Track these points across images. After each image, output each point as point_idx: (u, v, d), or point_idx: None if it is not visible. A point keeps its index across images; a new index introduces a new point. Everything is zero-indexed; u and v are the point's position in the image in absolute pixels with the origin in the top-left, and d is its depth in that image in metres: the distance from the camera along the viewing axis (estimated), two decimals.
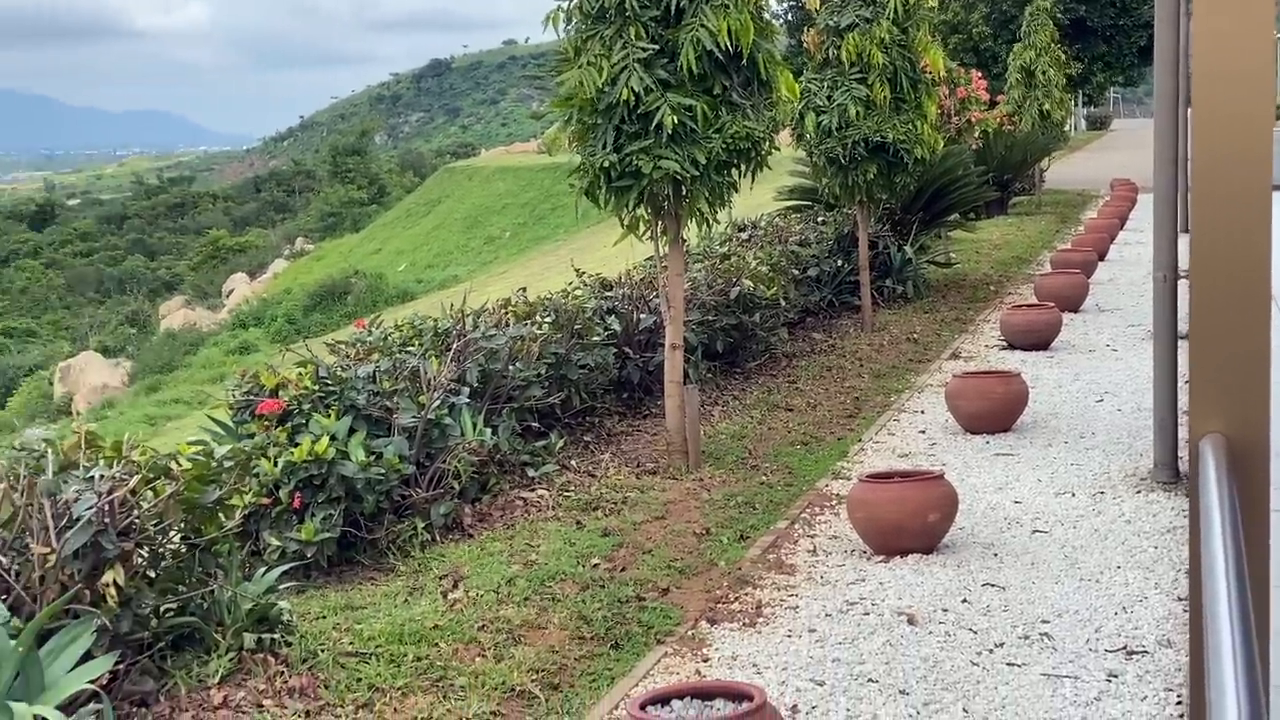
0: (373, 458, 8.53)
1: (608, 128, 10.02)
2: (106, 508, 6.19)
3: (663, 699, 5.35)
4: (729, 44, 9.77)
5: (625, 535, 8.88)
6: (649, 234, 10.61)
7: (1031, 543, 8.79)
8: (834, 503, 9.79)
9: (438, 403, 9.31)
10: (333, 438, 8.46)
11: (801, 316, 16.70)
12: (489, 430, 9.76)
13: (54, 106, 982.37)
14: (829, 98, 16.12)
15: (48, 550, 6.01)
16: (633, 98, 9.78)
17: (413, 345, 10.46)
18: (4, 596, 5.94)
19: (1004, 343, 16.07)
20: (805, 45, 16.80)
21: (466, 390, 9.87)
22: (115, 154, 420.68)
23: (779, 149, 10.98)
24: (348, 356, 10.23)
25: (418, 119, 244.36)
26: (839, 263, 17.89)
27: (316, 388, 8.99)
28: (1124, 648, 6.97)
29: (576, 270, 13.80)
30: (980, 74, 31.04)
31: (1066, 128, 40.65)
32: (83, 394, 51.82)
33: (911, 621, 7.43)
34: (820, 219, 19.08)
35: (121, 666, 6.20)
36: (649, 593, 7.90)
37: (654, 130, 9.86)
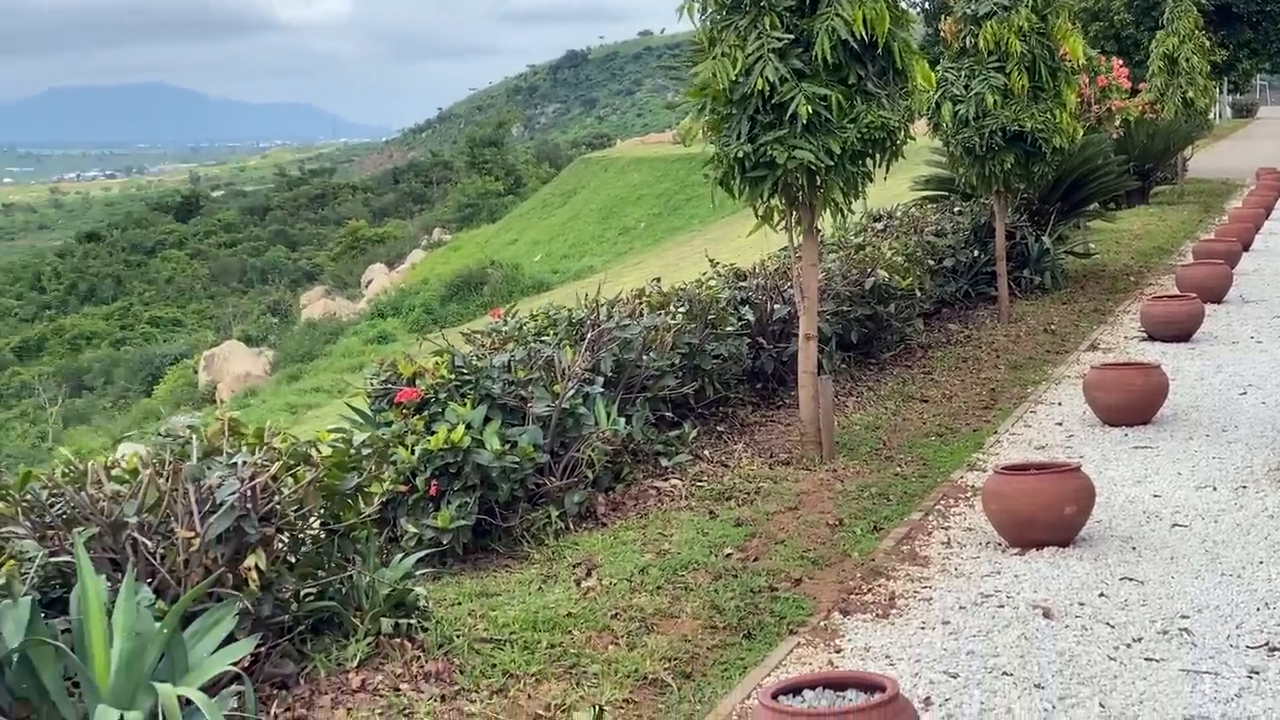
0: (508, 446, 8.61)
1: (742, 118, 10.02)
2: (249, 493, 6.32)
3: (794, 689, 5.35)
4: (864, 33, 9.72)
5: (758, 525, 8.88)
6: (783, 224, 10.59)
7: (1171, 537, 8.65)
8: (969, 495, 9.70)
9: (572, 392, 9.37)
10: (468, 426, 8.55)
11: (937, 307, 16.57)
12: (623, 420, 9.81)
13: (200, 100, 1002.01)
14: (966, 87, 15.97)
15: (192, 534, 6.16)
16: (767, 88, 9.76)
17: (547, 335, 10.54)
18: (150, 579, 6.08)
19: (1144, 334, 15.81)
20: (942, 34, 16.66)
21: (600, 380, 9.92)
22: (258, 146, 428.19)
23: (914, 138, 10.89)
24: (483, 346, 10.33)
25: (554, 110, 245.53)
26: (975, 253, 17.72)
27: (453, 377, 9.09)
28: (1266, 644, 6.83)
29: (710, 260, 13.81)
30: (1121, 62, 30.53)
31: (1210, 116, 39.80)
32: (226, 382, 52.87)
33: (1047, 615, 7.35)
34: (956, 209, 18.92)
35: (263, 649, 6.33)
36: (781, 583, 7.90)
37: (788, 120, 9.84)
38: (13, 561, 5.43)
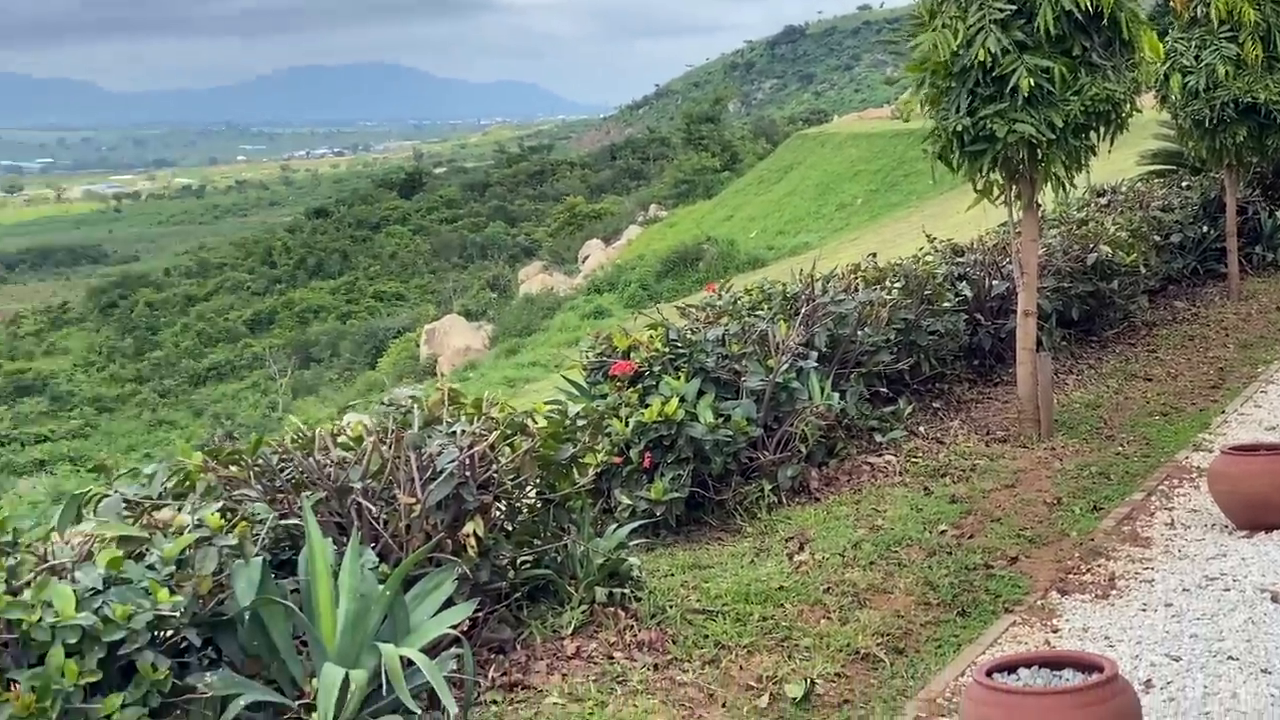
0: (721, 420, 8.64)
1: (962, 91, 9.89)
2: (467, 461, 6.45)
3: (1009, 667, 5.28)
4: (1089, 3, 9.52)
5: (974, 503, 8.79)
6: (1002, 199, 10.44)
7: None
8: (1194, 475, 9.46)
9: (785, 366, 9.37)
10: (682, 399, 8.60)
11: (1163, 284, 16.16)
12: (836, 395, 9.78)
13: (423, 79, 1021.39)
14: (1196, 58, 15.50)
15: (413, 501, 6.31)
16: (988, 59, 9.62)
17: (761, 309, 10.54)
18: (373, 543, 6.25)
19: None
20: (1171, 4, 16.17)
21: (814, 355, 9.90)
22: (479, 123, 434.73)
23: (1140, 111, 10.64)
24: (698, 320, 10.37)
25: (771, 86, 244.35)
26: (1204, 229, 17.21)
27: (667, 350, 9.15)
28: None
29: (928, 236, 13.67)
30: None
31: None
32: (447, 356, 53.90)
33: (1276, 599, 7.13)
34: (1185, 183, 18.40)
35: (481, 614, 6.47)
36: (997, 561, 7.81)
37: (1009, 93, 9.69)
38: (245, 523, 5.61)
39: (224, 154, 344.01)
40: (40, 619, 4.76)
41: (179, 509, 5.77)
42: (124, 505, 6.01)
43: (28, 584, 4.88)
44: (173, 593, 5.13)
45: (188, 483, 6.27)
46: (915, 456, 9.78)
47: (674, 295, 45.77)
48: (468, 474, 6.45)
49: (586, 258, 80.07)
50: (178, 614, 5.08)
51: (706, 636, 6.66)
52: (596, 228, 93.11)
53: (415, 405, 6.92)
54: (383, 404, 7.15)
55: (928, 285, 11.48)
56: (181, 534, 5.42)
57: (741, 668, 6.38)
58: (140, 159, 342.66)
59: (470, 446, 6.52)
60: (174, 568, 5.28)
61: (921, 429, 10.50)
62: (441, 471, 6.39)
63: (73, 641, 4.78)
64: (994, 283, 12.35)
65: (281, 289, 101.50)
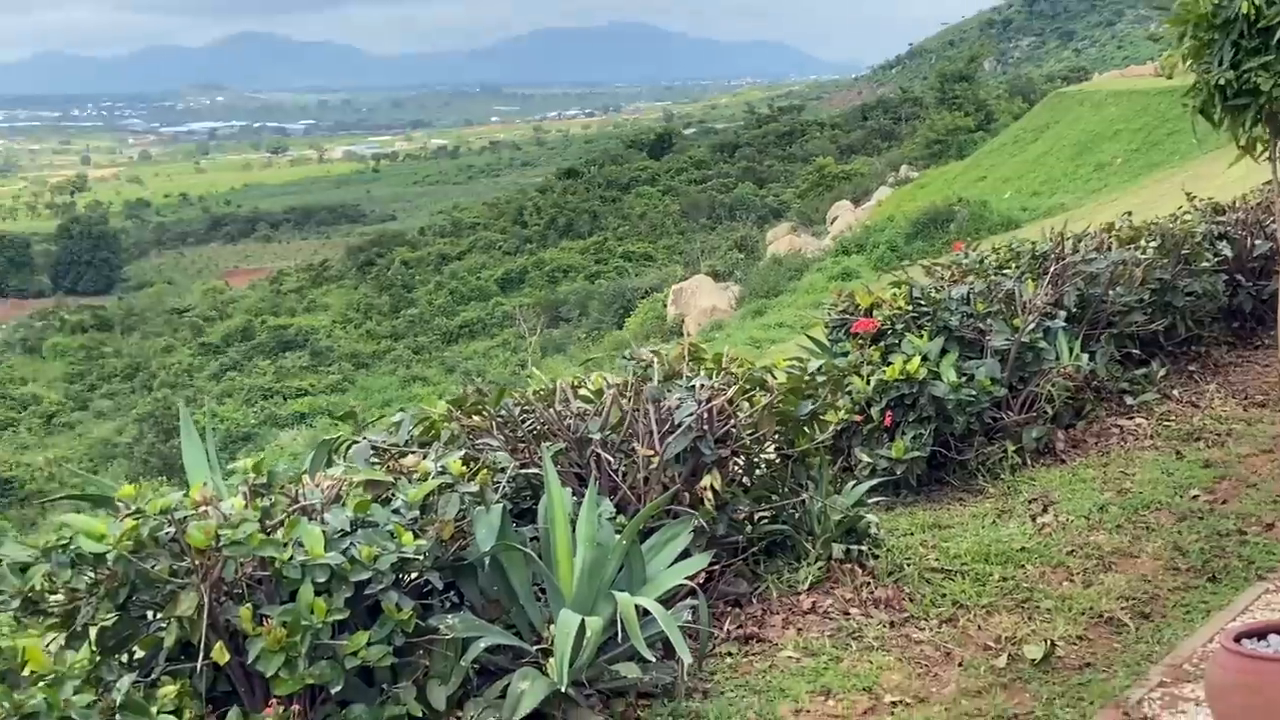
0: (964, 379, 8.53)
1: (1225, 43, 9.53)
2: (705, 415, 6.49)
3: (1260, 633, 5.10)
4: None
5: (1228, 468, 8.52)
6: (1267, 155, 10.05)
7: None
8: None
9: (1032, 325, 9.19)
10: (925, 358, 8.51)
11: None
12: (1085, 356, 9.57)
13: (676, 39, 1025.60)
14: None
15: (651, 453, 6.37)
16: (1253, 11, 9.25)
17: (1009, 268, 10.35)
18: (611, 494, 6.33)
19: None
20: None
21: (1063, 314, 9.70)
22: (729, 84, 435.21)
23: None
24: (942, 279, 10.23)
25: (1029, 43, 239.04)
26: None
27: (910, 308, 9.06)
28: None
29: (1188, 195, 13.25)
30: None
31: None
32: (693, 316, 54.12)
33: None
34: None
35: (716, 567, 6.52)
36: (1252, 527, 7.56)
37: (1275, 45, 9.31)
38: (486, 471, 5.73)
39: (478, 115, 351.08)
40: (291, 557, 4.94)
41: (424, 456, 5.93)
42: (372, 451, 6.20)
43: (280, 524, 5.07)
44: (416, 536, 5.28)
45: (433, 431, 6.44)
46: (1167, 420, 9.52)
47: (923, 257, 45.13)
48: (705, 428, 6.49)
49: (835, 219, 79.49)
50: (421, 557, 5.22)
51: (944, 595, 6.60)
52: (845, 189, 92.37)
53: (655, 360, 6.98)
54: (624, 358, 7.23)
55: (1185, 244, 11.14)
56: (426, 480, 5.57)
57: (980, 627, 6.30)
58: (398, 120, 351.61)
59: (708, 400, 6.55)
60: (418, 512, 5.43)
61: (1175, 392, 10.21)
62: (680, 425, 6.45)
63: (321, 580, 4.95)
64: (1256, 242, 11.92)
65: (532, 249, 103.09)
